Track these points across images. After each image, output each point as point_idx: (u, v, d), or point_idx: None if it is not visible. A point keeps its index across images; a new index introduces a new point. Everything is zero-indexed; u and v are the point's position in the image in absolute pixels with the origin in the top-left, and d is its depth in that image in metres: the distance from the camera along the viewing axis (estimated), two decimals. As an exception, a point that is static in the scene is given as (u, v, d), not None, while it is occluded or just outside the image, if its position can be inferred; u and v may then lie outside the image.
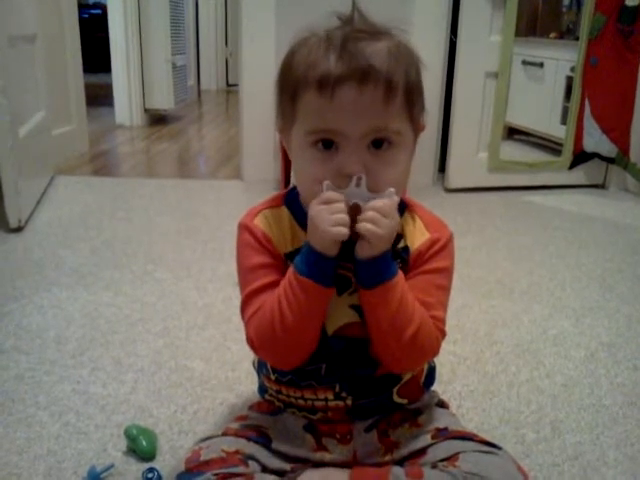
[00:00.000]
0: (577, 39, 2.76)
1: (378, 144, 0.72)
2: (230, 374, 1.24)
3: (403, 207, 0.82)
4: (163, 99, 4.30)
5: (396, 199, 0.72)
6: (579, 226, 2.31)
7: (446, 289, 0.82)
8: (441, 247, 0.81)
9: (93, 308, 1.52)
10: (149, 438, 1.00)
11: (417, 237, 0.81)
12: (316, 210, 0.70)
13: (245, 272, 0.81)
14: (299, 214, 0.80)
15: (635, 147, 2.71)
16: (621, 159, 2.73)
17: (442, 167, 2.82)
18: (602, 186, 2.87)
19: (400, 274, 0.76)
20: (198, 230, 2.13)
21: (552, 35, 3.45)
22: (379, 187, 0.71)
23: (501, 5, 2.54)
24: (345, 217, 0.70)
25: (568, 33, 3.41)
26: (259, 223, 0.81)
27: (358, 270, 0.75)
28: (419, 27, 2.56)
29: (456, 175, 2.72)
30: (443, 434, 0.83)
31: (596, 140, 2.72)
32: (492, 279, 1.77)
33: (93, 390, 1.18)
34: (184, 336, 1.40)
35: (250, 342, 0.80)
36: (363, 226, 0.70)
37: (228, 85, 6.66)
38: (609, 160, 2.77)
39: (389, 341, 0.77)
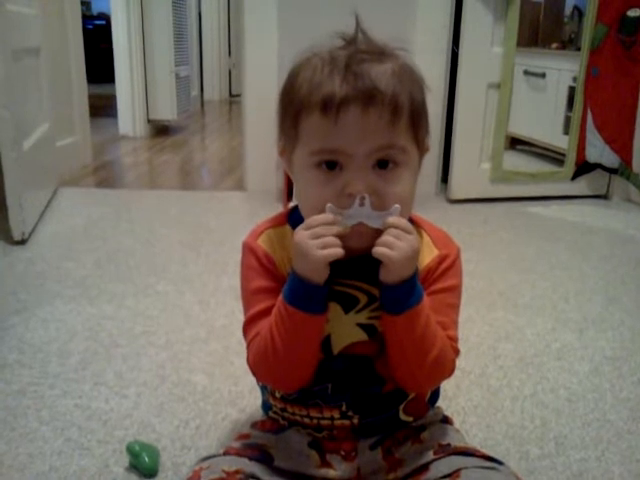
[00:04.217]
0: (579, 49, 2.76)
1: (383, 164, 0.71)
2: (233, 388, 1.24)
3: (409, 219, 0.81)
4: (166, 110, 4.33)
5: (403, 220, 0.71)
6: (582, 237, 2.31)
7: (457, 307, 0.82)
8: (450, 264, 0.80)
9: (96, 321, 1.52)
10: (151, 454, 1.00)
11: (425, 254, 0.80)
12: (299, 235, 0.70)
13: (247, 295, 0.81)
14: None
15: (638, 157, 2.71)
16: (624, 170, 2.73)
17: (445, 178, 2.82)
18: (605, 197, 2.87)
19: (425, 298, 0.74)
20: (201, 242, 2.13)
21: (554, 45, 3.45)
22: (385, 206, 0.70)
23: (502, 16, 2.55)
24: (332, 239, 0.68)
25: (570, 43, 3.41)
26: (262, 243, 0.80)
27: (383, 295, 0.74)
28: (421, 39, 2.58)
29: (459, 186, 2.72)
30: (445, 450, 0.82)
31: (599, 151, 2.73)
32: (495, 291, 1.77)
33: (96, 405, 1.18)
34: (187, 349, 1.40)
35: (250, 367, 0.81)
36: (376, 250, 0.69)
37: (231, 95, 6.69)
38: (612, 171, 2.77)
39: (411, 365, 0.77)
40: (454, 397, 1.22)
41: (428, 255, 0.80)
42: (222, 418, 1.15)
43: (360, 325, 0.79)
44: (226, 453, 0.82)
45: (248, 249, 0.81)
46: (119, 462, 1.02)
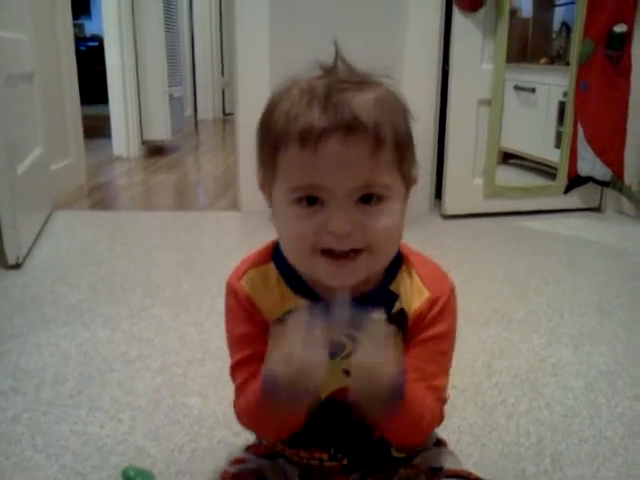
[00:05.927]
0: (567, 64, 2.79)
1: (367, 199, 0.66)
2: (228, 411, 1.23)
3: (399, 260, 0.77)
4: (160, 130, 4.35)
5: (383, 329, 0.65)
6: (575, 251, 2.32)
7: (449, 352, 0.78)
8: (442, 308, 0.75)
9: (91, 346, 1.52)
10: (146, 479, 1.00)
11: (415, 298, 0.75)
12: (282, 379, 0.64)
13: (231, 339, 0.79)
14: (287, 273, 0.75)
15: (629, 170, 2.73)
16: (615, 182, 2.75)
17: (438, 194, 2.84)
18: (598, 209, 2.89)
19: (406, 391, 0.68)
20: (196, 264, 2.13)
21: (543, 61, 3.49)
22: (371, 241, 0.66)
23: (492, 33, 2.58)
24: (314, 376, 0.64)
25: (558, 58, 3.45)
26: (245, 286, 0.77)
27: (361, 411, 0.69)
28: (411, 57, 2.61)
29: (452, 201, 2.74)
30: (438, 474, 0.82)
31: (590, 164, 2.74)
32: (489, 307, 1.77)
33: (91, 430, 1.18)
34: (182, 372, 1.40)
35: (236, 415, 0.79)
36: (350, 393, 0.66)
37: (225, 114, 6.72)
38: (604, 184, 2.79)
39: (401, 437, 0.76)
40: (449, 416, 1.21)
41: (418, 298, 0.75)
42: (217, 442, 1.14)
43: (347, 372, 0.74)
44: (222, 479, 0.82)
45: (231, 290, 0.78)
46: (114, 489, 1.02)
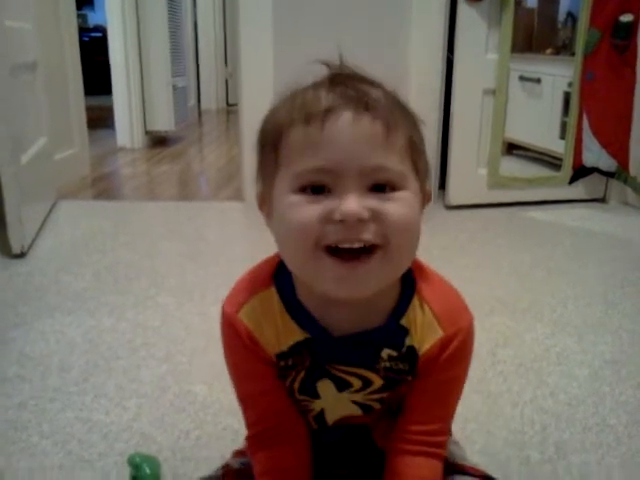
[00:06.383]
0: (573, 55, 2.78)
1: (379, 188, 0.59)
2: (232, 398, 1.22)
3: (411, 290, 0.70)
4: (164, 121, 4.35)
5: None
6: (580, 241, 2.32)
7: (459, 393, 0.75)
8: (455, 350, 0.69)
9: (96, 334, 1.52)
10: (152, 466, 1.00)
11: (426, 335, 0.68)
12: None
13: (234, 370, 0.74)
14: (289, 300, 0.69)
15: (634, 161, 2.72)
16: (621, 173, 2.74)
17: (442, 184, 2.83)
18: (602, 200, 2.88)
19: None
20: (200, 253, 2.13)
21: (548, 51, 3.48)
22: (387, 234, 0.59)
23: (497, 23, 2.57)
24: None
25: (564, 49, 3.43)
26: (245, 319, 0.69)
27: None
28: (416, 46, 2.60)
29: (456, 192, 2.73)
30: (444, 469, 0.80)
31: (595, 154, 2.73)
32: (494, 297, 1.77)
33: (96, 417, 1.18)
34: (187, 361, 1.40)
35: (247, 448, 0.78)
36: None
37: (228, 105, 6.71)
38: (609, 174, 2.78)
39: None
40: (454, 404, 1.22)
41: (430, 336, 0.68)
42: (222, 428, 1.15)
43: (355, 402, 0.73)
44: (224, 476, 0.81)
45: (227, 323, 0.71)
46: (120, 474, 1.02)
